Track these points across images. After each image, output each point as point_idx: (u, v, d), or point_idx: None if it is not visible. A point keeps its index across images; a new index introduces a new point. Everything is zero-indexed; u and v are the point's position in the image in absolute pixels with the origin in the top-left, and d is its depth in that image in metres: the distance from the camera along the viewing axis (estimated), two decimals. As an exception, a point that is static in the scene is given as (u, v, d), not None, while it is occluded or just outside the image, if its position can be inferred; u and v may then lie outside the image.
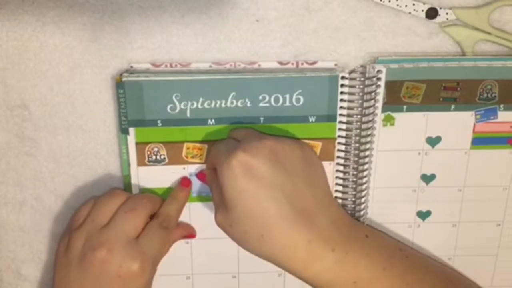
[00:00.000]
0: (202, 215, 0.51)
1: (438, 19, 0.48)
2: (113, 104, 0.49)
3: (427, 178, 0.51)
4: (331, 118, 0.49)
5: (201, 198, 0.51)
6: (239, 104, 0.48)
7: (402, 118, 0.49)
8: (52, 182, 0.52)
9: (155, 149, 0.49)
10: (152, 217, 0.49)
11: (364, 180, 0.51)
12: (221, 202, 0.45)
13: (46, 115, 0.50)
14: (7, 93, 0.49)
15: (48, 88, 0.49)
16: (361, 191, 0.51)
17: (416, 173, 0.51)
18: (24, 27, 0.47)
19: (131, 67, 0.49)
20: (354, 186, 0.51)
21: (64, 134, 0.50)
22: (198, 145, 0.49)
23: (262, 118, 0.49)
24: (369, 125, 0.49)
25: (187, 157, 0.50)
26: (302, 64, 0.49)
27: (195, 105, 0.48)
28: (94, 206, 0.48)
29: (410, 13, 0.48)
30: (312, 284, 0.45)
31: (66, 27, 0.48)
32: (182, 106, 0.48)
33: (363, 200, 0.51)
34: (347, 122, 0.49)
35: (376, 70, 0.48)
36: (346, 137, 0.49)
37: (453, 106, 0.49)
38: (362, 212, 0.52)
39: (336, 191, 0.51)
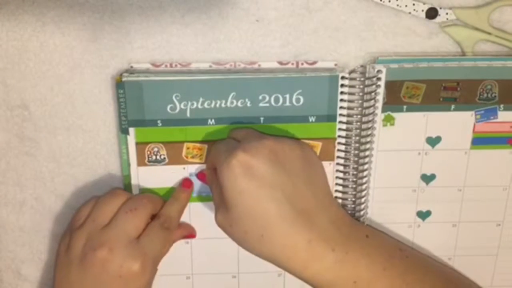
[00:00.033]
0: (202, 215, 0.51)
1: (438, 19, 0.48)
2: (113, 104, 0.49)
3: (427, 178, 0.51)
4: (331, 118, 0.49)
5: (201, 198, 0.51)
6: (239, 104, 0.48)
7: (402, 118, 0.49)
8: (52, 182, 0.52)
9: (155, 149, 0.49)
10: (152, 217, 0.49)
11: (364, 180, 0.51)
12: (221, 202, 0.45)
13: (46, 115, 0.50)
14: (7, 93, 0.49)
15: (48, 88, 0.49)
16: (361, 191, 0.51)
17: (416, 173, 0.51)
18: (24, 27, 0.47)
19: (131, 67, 0.49)
20: (354, 186, 0.51)
21: (64, 134, 0.50)
22: (198, 145, 0.49)
23: (262, 118, 0.49)
24: (369, 125, 0.49)
25: (187, 157, 0.50)
26: (302, 64, 0.49)
27: (195, 105, 0.48)
28: (95, 206, 0.48)
29: (410, 13, 0.48)
30: (312, 284, 0.45)
31: (66, 27, 0.48)
32: (182, 106, 0.48)
33: (363, 200, 0.51)
34: (347, 122, 0.49)
35: (376, 70, 0.48)
36: (346, 137, 0.49)
37: (453, 106, 0.49)
38: (362, 212, 0.52)
39: (336, 191, 0.51)
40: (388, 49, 0.49)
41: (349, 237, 0.45)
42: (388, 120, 0.49)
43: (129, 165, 0.50)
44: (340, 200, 0.51)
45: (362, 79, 0.48)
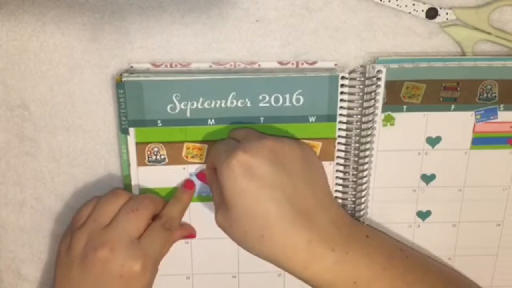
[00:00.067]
0: (202, 215, 0.51)
1: (438, 19, 0.48)
2: (113, 104, 0.49)
3: (427, 178, 0.51)
4: (331, 118, 0.49)
5: (201, 198, 0.51)
6: (239, 104, 0.48)
7: (402, 118, 0.49)
8: (52, 182, 0.52)
9: (155, 149, 0.49)
10: (153, 217, 0.49)
11: (364, 180, 0.51)
12: (221, 202, 0.45)
13: (46, 115, 0.50)
14: (7, 93, 0.49)
15: (48, 88, 0.49)
16: (361, 191, 0.51)
17: (416, 173, 0.51)
18: (24, 27, 0.47)
19: (131, 67, 0.49)
20: (354, 186, 0.51)
21: (64, 134, 0.50)
22: (198, 145, 0.49)
23: (262, 118, 0.49)
24: (369, 125, 0.49)
25: (187, 157, 0.50)
26: (302, 64, 0.49)
27: (195, 105, 0.48)
28: (96, 206, 0.49)
29: (410, 13, 0.48)
30: (312, 284, 0.45)
31: (66, 27, 0.48)
32: (182, 106, 0.48)
33: (363, 200, 0.51)
34: (347, 122, 0.49)
35: (376, 70, 0.48)
36: (346, 137, 0.49)
37: (453, 106, 0.49)
38: (362, 212, 0.52)
39: (336, 191, 0.51)
40: (388, 49, 0.49)
41: (349, 237, 0.45)
42: (388, 120, 0.49)
43: (129, 165, 0.50)
44: (340, 200, 0.51)
45: (362, 79, 0.48)
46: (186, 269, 0.53)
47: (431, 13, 0.48)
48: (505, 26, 0.48)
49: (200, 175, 0.50)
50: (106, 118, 0.50)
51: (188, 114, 0.48)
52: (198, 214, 0.52)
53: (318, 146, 0.49)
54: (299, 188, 0.44)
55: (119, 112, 0.48)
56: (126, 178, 0.50)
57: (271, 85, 0.48)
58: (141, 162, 0.50)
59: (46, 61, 0.48)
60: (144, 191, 0.51)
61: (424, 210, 0.52)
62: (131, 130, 0.49)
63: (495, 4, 0.47)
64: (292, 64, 0.49)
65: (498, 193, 0.52)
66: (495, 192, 0.52)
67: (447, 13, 0.48)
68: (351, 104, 0.48)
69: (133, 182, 0.50)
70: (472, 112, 0.49)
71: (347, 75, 0.48)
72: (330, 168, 0.50)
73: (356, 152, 0.50)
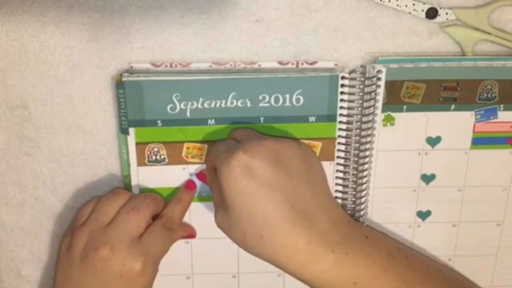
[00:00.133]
0: (202, 215, 0.51)
1: (438, 19, 0.48)
2: (113, 104, 0.49)
3: (427, 178, 0.51)
4: (331, 118, 0.49)
5: (201, 198, 0.51)
6: (239, 104, 0.48)
7: (402, 118, 0.49)
8: (52, 182, 0.52)
9: (155, 149, 0.49)
10: (154, 217, 0.49)
11: (364, 180, 0.51)
12: (221, 202, 0.45)
13: (46, 115, 0.50)
14: (7, 93, 0.49)
15: (48, 88, 0.49)
16: (361, 191, 0.51)
17: (416, 173, 0.51)
18: (24, 27, 0.47)
19: (131, 67, 0.49)
20: (354, 186, 0.51)
21: (64, 134, 0.50)
22: (198, 145, 0.49)
23: (262, 118, 0.49)
24: (369, 125, 0.49)
25: (187, 157, 0.50)
26: (302, 64, 0.49)
27: (195, 105, 0.48)
28: (96, 205, 0.49)
29: (410, 13, 0.48)
30: (312, 285, 0.45)
31: (66, 27, 0.48)
32: (182, 106, 0.48)
33: (363, 200, 0.51)
34: (347, 122, 0.49)
35: (376, 70, 0.48)
36: (346, 137, 0.49)
37: (453, 106, 0.49)
38: (362, 212, 0.52)
39: (336, 191, 0.51)
40: (388, 49, 0.49)
41: (349, 238, 0.45)
42: (388, 120, 0.49)
43: (129, 165, 0.50)
44: (340, 200, 0.51)
45: (362, 79, 0.48)
46: (186, 269, 0.53)
47: (431, 13, 0.48)
48: (505, 26, 0.48)
49: (200, 175, 0.50)
50: (106, 118, 0.50)
51: (188, 114, 0.48)
52: (198, 214, 0.52)
53: (318, 146, 0.49)
54: (299, 188, 0.44)
55: (119, 112, 0.48)
56: (126, 178, 0.50)
57: (271, 85, 0.48)
58: (141, 162, 0.50)
59: (46, 61, 0.48)
60: (144, 191, 0.51)
61: (424, 210, 0.52)
62: (131, 130, 0.49)
63: (495, 4, 0.47)
64: (292, 64, 0.49)
65: (498, 193, 0.52)
66: (495, 192, 0.52)
67: (447, 13, 0.48)
68: (351, 104, 0.48)
69: (133, 182, 0.50)
70: (472, 112, 0.49)
71: (347, 75, 0.48)
72: (330, 168, 0.50)
73: (356, 152, 0.50)
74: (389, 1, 0.47)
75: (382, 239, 0.50)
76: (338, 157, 0.50)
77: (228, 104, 0.48)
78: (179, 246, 0.52)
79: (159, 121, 0.48)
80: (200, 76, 0.47)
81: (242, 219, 0.44)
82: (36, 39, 0.48)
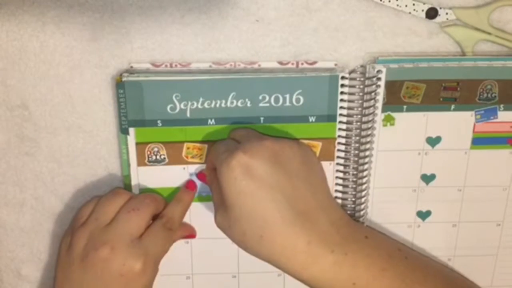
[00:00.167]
0: (202, 215, 0.51)
1: (438, 19, 0.48)
2: (113, 104, 0.49)
3: (427, 178, 0.51)
4: (331, 118, 0.49)
5: (201, 198, 0.51)
6: (239, 104, 0.48)
7: (402, 118, 0.49)
8: (52, 182, 0.52)
9: (155, 149, 0.49)
10: (154, 217, 0.49)
11: (364, 180, 0.51)
12: (220, 202, 0.46)
13: (46, 115, 0.50)
14: (7, 93, 0.49)
15: (48, 88, 0.49)
16: (361, 191, 0.51)
17: (416, 173, 0.51)
18: (24, 27, 0.47)
19: (131, 67, 0.49)
20: (354, 186, 0.51)
21: (64, 134, 0.50)
22: (198, 145, 0.49)
23: (262, 118, 0.49)
24: (369, 125, 0.49)
25: (187, 157, 0.50)
26: (302, 64, 0.49)
27: (195, 105, 0.48)
28: (97, 205, 0.49)
29: (410, 13, 0.48)
30: (311, 285, 0.45)
31: (66, 27, 0.48)
32: (182, 106, 0.48)
33: (363, 200, 0.51)
34: (347, 122, 0.49)
35: (376, 70, 0.48)
36: (346, 137, 0.49)
37: (453, 106, 0.49)
38: (362, 212, 0.52)
39: (336, 191, 0.51)
40: (388, 49, 0.49)
41: (348, 238, 0.45)
42: (388, 120, 0.49)
43: (129, 165, 0.50)
44: (340, 200, 0.51)
45: (362, 79, 0.48)
46: (186, 269, 0.53)
47: (431, 13, 0.48)
48: (505, 26, 0.48)
49: (200, 175, 0.50)
50: (106, 118, 0.50)
51: (188, 114, 0.48)
52: (198, 214, 0.52)
53: (318, 146, 0.49)
54: (299, 189, 0.44)
55: (119, 112, 0.48)
56: (126, 178, 0.50)
57: (271, 85, 0.48)
58: (141, 162, 0.50)
59: (46, 61, 0.48)
60: (144, 191, 0.51)
61: (424, 210, 0.52)
62: (131, 130, 0.49)
63: (495, 4, 0.47)
64: (292, 64, 0.49)
65: (498, 193, 0.52)
66: (495, 192, 0.52)
67: (447, 13, 0.48)
68: (351, 104, 0.48)
69: (133, 182, 0.50)
70: (472, 112, 0.49)
71: (347, 75, 0.48)
72: (330, 168, 0.50)
73: (356, 152, 0.50)
74: (389, 1, 0.47)
75: (382, 239, 0.50)
76: (338, 157, 0.50)
77: (228, 104, 0.48)
78: (179, 246, 0.52)
79: (159, 121, 0.48)
80: (200, 76, 0.47)
81: (242, 219, 0.44)
82: (36, 39, 0.48)
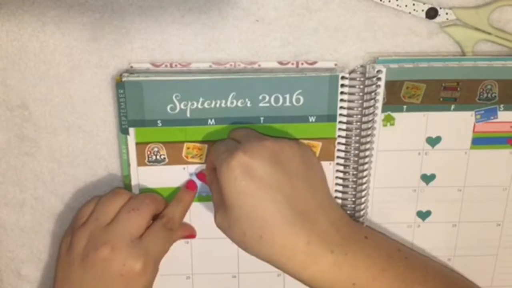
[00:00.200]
0: (202, 215, 0.51)
1: (438, 19, 0.48)
2: (113, 104, 0.49)
3: (427, 178, 0.51)
4: (331, 118, 0.49)
5: (201, 198, 0.51)
6: (239, 104, 0.48)
7: (402, 118, 0.49)
8: (52, 182, 0.52)
9: (155, 149, 0.49)
10: (154, 217, 0.49)
11: (364, 180, 0.51)
12: (220, 202, 0.46)
13: (46, 115, 0.50)
14: (7, 93, 0.49)
15: (48, 88, 0.49)
16: (361, 191, 0.51)
17: (416, 173, 0.51)
18: (24, 27, 0.47)
19: (131, 67, 0.49)
20: (354, 186, 0.51)
21: (64, 134, 0.50)
22: (198, 145, 0.49)
23: (262, 118, 0.49)
24: (369, 125, 0.49)
25: (187, 157, 0.50)
26: (302, 64, 0.49)
27: (195, 105, 0.48)
28: (97, 205, 0.49)
29: (410, 13, 0.48)
30: (311, 286, 0.45)
31: (66, 27, 0.48)
32: (182, 106, 0.48)
33: (363, 200, 0.51)
34: (347, 122, 0.49)
35: (376, 70, 0.48)
36: (346, 137, 0.49)
37: (453, 106, 0.49)
38: (362, 212, 0.52)
39: (336, 191, 0.51)
40: (388, 49, 0.49)
41: (348, 239, 0.45)
42: (388, 120, 0.49)
43: (129, 165, 0.50)
44: (340, 200, 0.51)
45: (362, 79, 0.48)
46: (186, 269, 0.53)
47: (431, 13, 0.48)
48: (505, 26, 0.48)
49: (200, 175, 0.50)
50: (106, 118, 0.50)
51: (188, 114, 0.48)
52: (198, 214, 0.52)
53: (318, 146, 0.49)
54: (299, 189, 0.44)
55: (119, 112, 0.48)
56: (126, 178, 0.50)
57: (271, 85, 0.48)
58: (141, 162, 0.50)
59: (46, 61, 0.48)
60: (144, 191, 0.51)
61: (424, 210, 0.52)
62: (131, 130, 0.49)
63: (495, 4, 0.47)
64: (292, 64, 0.49)
65: (498, 193, 0.52)
66: (495, 192, 0.52)
67: (447, 13, 0.48)
68: (351, 104, 0.48)
69: (133, 182, 0.50)
70: (472, 112, 0.49)
71: (347, 75, 0.48)
72: (330, 168, 0.50)
73: (356, 152, 0.50)
74: (389, 1, 0.47)
75: (382, 239, 0.50)
76: (338, 157, 0.50)
77: (228, 104, 0.48)
78: (179, 246, 0.52)
79: (159, 121, 0.48)
80: (200, 76, 0.47)
81: (242, 220, 0.44)
82: (36, 39, 0.48)
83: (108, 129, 0.50)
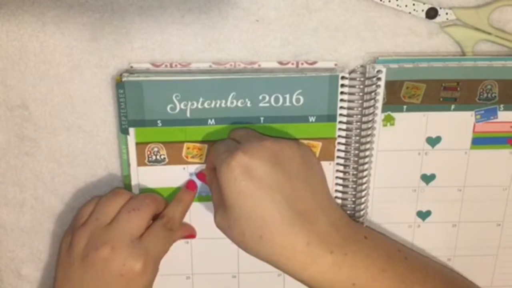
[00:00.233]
0: (202, 215, 0.51)
1: (438, 19, 0.48)
2: (113, 104, 0.49)
3: (427, 178, 0.51)
4: (331, 118, 0.49)
5: (201, 198, 0.51)
6: (239, 104, 0.48)
7: (402, 118, 0.49)
8: (52, 182, 0.52)
9: (155, 149, 0.49)
10: (154, 217, 0.49)
11: (364, 180, 0.51)
12: (220, 202, 0.46)
13: (46, 115, 0.50)
14: (7, 93, 0.49)
15: (48, 88, 0.49)
16: (361, 191, 0.51)
17: (416, 173, 0.51)
18: (24, 27, 0.47)
19: (131, 67, 0.49)
20: (354, 186, 0.51)
21: (64, 134, 0.50)
22: (198, 145, 0.49)
23: (262, 118, 0.49)
24: (369, 125, 0.49)
25: (187, 157, 0.50)
26: (302, 64, 0.49)
27: (195, 105, 0.48)
28: (97, 205, 0.49)
29: (410, 13, 0.48)
30: (311, 286, 0.45)
31: (66, 27, 0.48)
32: (182, 106, 0.48)
33: (363, 200, 0.51)
34: (347, 122, 0.49)
35: (376, 70, 0.48)
36: (346, 137, 0.49)
37: (453, 106, 0.49)
38: (362, 212, 0.52)
39: (336, 191, 0.51)
40: (388, 49, 0.49)
41: (348, 239, 0.45)
42: (388, 120, 0.49)
43: (129, 165, 0.50)
44: (340, 200, 0.51)
45: (362, 79, 0.48)
46: (186, 269, 0.53)
47: (431, 13, 0.48)
48: (505, 26, 0.48)
49: (200, 175, 0.50)
50: (106, 118, 0.50)
51: (188, 114, 0.48)
52: (198, 214, 0.52)
53: (318, 146, 0.49)
54: (298, 189, 0.44)
55: (119, 112, 0.48)
56: (126, 178, 0.50)
57: (271, 85, 0.48)
58: (141, 162, 0.50)
59: (46, 61, 0.48)
60: (144, 191, 0.51)
61: (424, 210, 0.52)
62: (131, 130, 0.49)
63: (495, 4, 0.47)
64: (292, 64, 0.49)
65: (498, 193, 0.52)
66: (495, 192, 0.52)
67: (447, 13, 0.48)
68: (351, 104, 0.48)
69: (133, 182, 0.50)
70: (472, 112, 0.49)
71: (347, 75, 0.48)
72: (330, 168, 0.50)
73: (356, 152, 0.50)
74: (389, 1, 0.47)
75: (381, 239, 0.50)
76: (338, 157, 0.50)
77: (228, 104, 0.48)
78: (179, 246, 0.52)
79: (159, 121, 0.48)
80: (200, 76, 0.47)
81: (242, 220, 0.44)
82: (36, 39, 0.48)
83: (108, 129, 0.50)
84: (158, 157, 0.50)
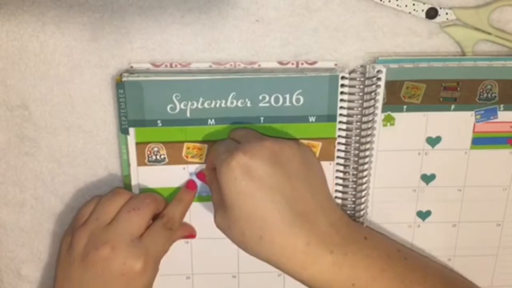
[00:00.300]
0: (202, 215, 0.51)
1: (438, 19, 0.48)
2: (113, 104, 0.49)
3: (427, 178, 0.51)
4: (331, 118, 0.49)
5: (201, 198, 0.51)
6: (239, 104, 0.48)
7: (402, 118, 0.49)
8: (52, 182, 0.52)
9: (155, 149, 0.49)
10: (154, 217, 0.49)
11: (364, 180, 0.51)
12: (220, 202, 0.46)
13: (46, 115, 0.50)
14: (7, 93, 0.49)
15: (48, 88, 0.49)
16: (361, 191, 0.51)
17: (416, 173, 0.51)
18: (24, 27, 0.47)
19: (131, 67, 0.49)
20: (354, 186, 0.51)
21: (64, 134, 0.50)
22: (198, 145, 0.49)
23: (262, 118, 0.49)
24: (369, 125, 0.49)
25: (187, 157, 0.50)
26: (302, 64, 0.49)
27: (195, 105, 0.48)
28: (97, 205, 0.49)
29: (410, 13, 0.48)
30: (311, 286, 0.45)
31: (66, 27, 0.48)
32: (182, 106, 0.48)
33: (363, 200, 0.51)
34: (347, 122, 0.49)
35: (376, 70, 0.48)
36: (346, 137, 0.49)
37: (453, 106, 0.49)
38: (362, 212, 0.52)
39: (336, 191, 0.51)
40: (388, 49, 0.49)
41: (348, 239, 0.45)
42: (388, 120, 0.49)
43: (129, 165, 0.50)
44: (340, 201, 0.51)
45: (362, 79, 0.48)
46: (186, 269, 0.53)
47: (431, 13, 0.48)
48: (505, 26, 0.48)
49: (200, 175, 0.50)
50: (106, 118, 0.50)
51: (188, 114, 0.48)
52: (198, 214, 0.52)
53: (318, 146, 0.49)
54: (298, 189, 0.44)
55: (119, 112, 0.48)
56: (126, 178, 0.51)
57: (271, 85, 0.48)
58: (141, 162, 0.50)
59: (46, 61, 0.48)
60: (144, 191, 0.51)
61: (424, 210, 0.52)
62: (131, 130, 0.49)
63: (495, 4, 0.47)
64: (292, 64, 0.49)
65: (498, 193, 0.52)
66: (495, 192, 0.52)
67: (447, 13, 0.48)
68: (351, 104, 0.48)
69: (133, 182, 0.50)
70: (472, 112, 0.49)
71: (347, 75, 0.48)
72: (330, 168, 0.50)
73: (356, 152, 0.50)
74: (389, 1, 0.47)
75: (381, 240, 0.50)
76: (338, 157, 0.50)
77: (228, 104, 0.48)
78: (179, 246, 0.52)
79: (159, 121, 0.48)
80: (200, 76, 0.47)
81: (242, 220, 0.44)
82: (36, 39, 0.48)
83: (108, 129, 0.50)
84: (158, 157, 0.50)
